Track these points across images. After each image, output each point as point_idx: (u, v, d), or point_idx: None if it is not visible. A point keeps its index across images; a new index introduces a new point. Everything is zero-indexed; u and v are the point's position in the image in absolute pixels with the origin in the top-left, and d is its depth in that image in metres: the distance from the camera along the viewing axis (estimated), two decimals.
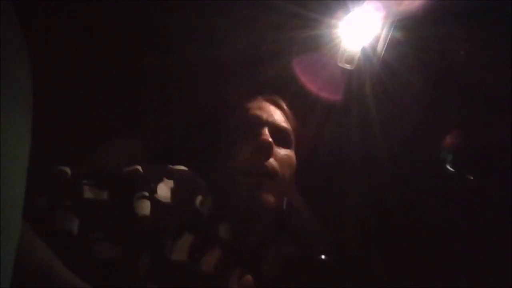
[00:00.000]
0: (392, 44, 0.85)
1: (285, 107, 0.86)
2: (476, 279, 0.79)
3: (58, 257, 0.56)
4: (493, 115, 0.85)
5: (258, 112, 0.80)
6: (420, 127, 0.95)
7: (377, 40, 0.85)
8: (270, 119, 0.80)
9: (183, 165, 0.78)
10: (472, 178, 0.87)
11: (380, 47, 0.86)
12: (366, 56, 0.87)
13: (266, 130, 0.77)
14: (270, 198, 0.72)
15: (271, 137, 0.76)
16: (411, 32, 0.83)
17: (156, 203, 0.67)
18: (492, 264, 0.78)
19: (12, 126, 0.39)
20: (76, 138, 0.89)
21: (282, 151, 0.78)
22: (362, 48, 0.87)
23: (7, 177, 0.37)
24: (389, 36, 0.84)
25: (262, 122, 0.79)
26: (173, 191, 0.71)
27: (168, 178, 0.72)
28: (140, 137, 0.91)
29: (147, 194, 0.67)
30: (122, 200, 0.66)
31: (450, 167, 0.90)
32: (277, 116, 0.82)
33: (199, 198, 0.72)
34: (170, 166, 0.76)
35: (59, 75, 0.89)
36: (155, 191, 0.69)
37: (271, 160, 0.74)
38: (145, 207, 0.66)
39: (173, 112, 0.97)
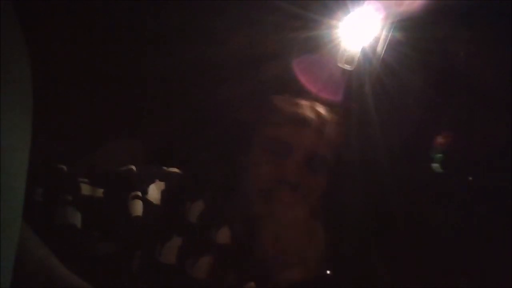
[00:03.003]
0: (392, 45, 0.85)
1: (325, 114, 0.76)
2: (476, 279, 0.79)
3: (57, 252, 0.56)
4: (493, 116, 0.85)
5: (290, 131, 0.71)
6: (420, 127, 0.95)
7: (377, 40, 0.86)
8: (303, 142, 0.70)
9: (183, 167, 0.78)
10: (471, 178, 0.87)
11: (380, 48, 0.86)
12: (366, 56, 0.88)
13: (296, 160, 0.68)
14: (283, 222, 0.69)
15: (301, 161, 0.69)
16: (411, 33, 0.83)
17: (146, 204, 0.68)
18: (492, 264, 0.78)
19: (12, 126, 0.39)
20: (76, 138, 0.89)
21: (311, 179, 0.71)
22: (362, 49, 0.87)
23: (7, 177, 0.37)
24: (389, 37, 0.84)
25: (294, 146, 0.70)
26: (164, 193, 0.71)
27: (161, 180, 0.72)
28: (140, 137, 0.91)
29: (139, 194, 0.68)
30: (116, 199, 0.67)
31: (449, 167, 0.89)
32: (317, 136, 0.72)
33: (190, 201, 0.71)
34: (164, 168, 0.75)
35: (59, 75, 0.89)
36: (146, 192, 0.69)
37: (295, 193, 0.68)
38: (138, 207, 0.67)
39: (173, 113, 0.97)
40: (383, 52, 0.86)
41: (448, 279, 0.81)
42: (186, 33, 0.94)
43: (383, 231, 0.90)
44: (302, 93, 0.89)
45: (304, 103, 0.76)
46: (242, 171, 0.72)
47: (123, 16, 0.91)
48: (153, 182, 0.71)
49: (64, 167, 0.68)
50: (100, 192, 0.67)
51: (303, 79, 0.93)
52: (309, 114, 0.74)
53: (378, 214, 0.91)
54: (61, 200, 0.63)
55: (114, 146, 0.88)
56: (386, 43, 0.84)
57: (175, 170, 0.76)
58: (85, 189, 0.66)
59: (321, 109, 0.76)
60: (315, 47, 0.88)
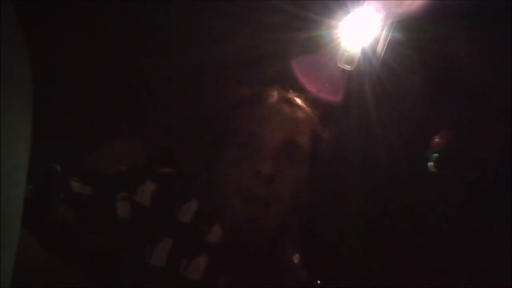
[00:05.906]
0: (392, 45, 0.85)
1: (303, 105, 0.71)
2: (476, 278, 0.79)
3: (51, 246, 0.56)
4: (493, 116, 0.85)
5: (264, 122, 0.66)
6: (419, 127, 0.95)
7: (377, 41, 0.86)
8: (278, 131, 0.66)
9: (181, 166, 0.77)
10: (470, 178, 0.87)
11: (380, 48, 0.86)
12: (366, 57, 0.88)
13: (269, 151, 0.64)
14: (265, 225, 0.66)
15: (277, 151, 0.65)
16: (411, 33, 0.83)
17: (134, 205, 0.66)
18: (492, 264, 0.78)
19: (12, 126, 0.39)
20: (76, 138, 0.89)
21: (288, 169, 0.66)
22: (362, 49, 0.87)
23: (7, 177, 0.37)
24: (388, 37, 0.84)
25: (268, 136, 0.65)
26: (154, 194, 0.69)
27: (151, 181, 0.69)
28: (140, 137, 0.91)
29: (126, 195, 0.67)
30: (103, 199, 0.66)
31: (448, 167, 0.90)
32: (290, 124, 0.68)
33: (182, 202, 0.69)
34: (156, 168, 0.74)
35: (59, 75, 0.89)
36: (134, 193, 0.67)
37: (272, 186, 0.64)
38: (125, 208, 0.66)
39: (173, 113, 0.97)
40: (383, 52, 0.86)
41: (448, 279, 0.81)
42: (186, 33, 0.94)
43: (382, 228, 0.90)
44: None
45: (273, 93, 0.72)
46: (220, 171, 0.68)
47: (123, 16, 0.91)
48: (142, 183, 0.69)
49: (57, 166, 0.67)
50: (89, 190, 0.65)
51: (303, 79, 0.93)
52: (277, 103, 0.70)
53: (377, 211, 0.91)
54: (53, 198, 0.63)
55: (114, 146, 0.88)
56: (386, 44, 0.84)
57: (168, 170, 0.73)
58: (76, 187, 0.65)
59: (295, 99, 0.72)
60: (315, 47, 0.88)
